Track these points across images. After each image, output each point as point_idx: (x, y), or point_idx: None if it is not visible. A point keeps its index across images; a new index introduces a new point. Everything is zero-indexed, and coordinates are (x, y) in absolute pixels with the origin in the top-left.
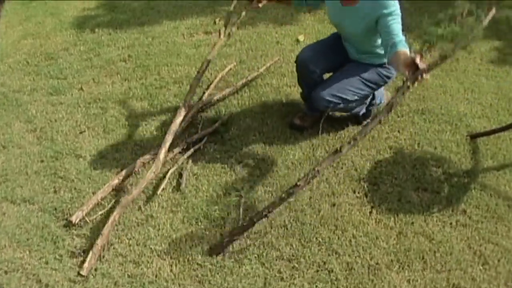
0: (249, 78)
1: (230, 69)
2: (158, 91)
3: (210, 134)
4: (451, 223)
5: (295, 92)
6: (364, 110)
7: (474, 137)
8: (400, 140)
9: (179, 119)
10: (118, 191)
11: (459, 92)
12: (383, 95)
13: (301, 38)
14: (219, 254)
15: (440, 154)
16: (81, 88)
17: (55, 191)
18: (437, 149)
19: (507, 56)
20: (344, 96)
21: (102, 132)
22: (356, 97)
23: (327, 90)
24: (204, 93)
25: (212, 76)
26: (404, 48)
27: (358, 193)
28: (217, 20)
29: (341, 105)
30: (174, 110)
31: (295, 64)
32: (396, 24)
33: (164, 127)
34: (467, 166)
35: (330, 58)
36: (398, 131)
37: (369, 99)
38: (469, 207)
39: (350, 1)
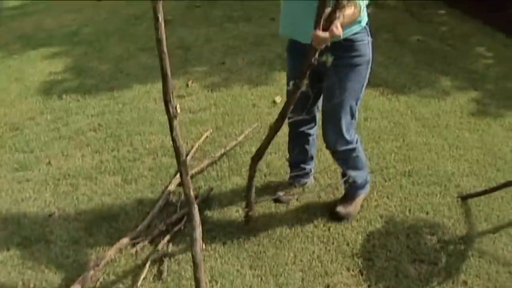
0: (227, 147)
1: (207, 137)
2: (132, 164)
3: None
4: None
5: (276, 160)
6: (364, 179)
7: (465, 198)
8: (390, 207)
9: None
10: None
11: (444, 149)
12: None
13: (278, 99)
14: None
15: (432, 219)
16: (49, 163)
17: (23, 284)
18: (429, 214)
19: (486, 107)
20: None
21: (74, 213)
22: (358, 101)
23: (333, 134)
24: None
25: (188, 145)
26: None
27: (353, 271)
28: (189, 83)
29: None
30: (150, 186)
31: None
32: None
33: (141, 206)
34: (462, 231)
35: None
36: (387, 197)
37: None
38: (469, 277)
39: None
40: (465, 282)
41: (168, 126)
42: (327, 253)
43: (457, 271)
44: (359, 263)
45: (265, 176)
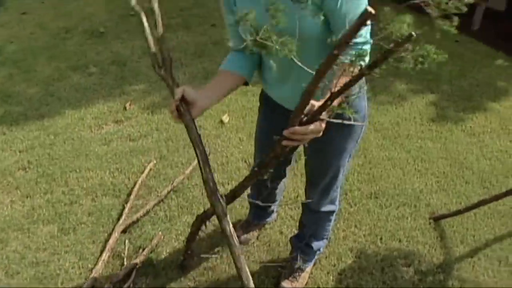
0: (174, 183)
1: (150, 169)
2: (68, 208)
3: (138, 264)
4: None
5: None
6: (320, 252)
7: (437, 219)
8: (359, 237)
9: None
10: None
11: (408, 163)
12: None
13: (225, 118)
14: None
15: (406, 248)
16: None
17: None
18: (402, 242)
19: (445, 111)
20: (335, 193)
21: (4, 276)
22: (350, 158)
23: (319, 195)
24: (124, 207)
25: (131, 181)
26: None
27: None
28: (127, 105)
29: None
30: (91, 235)
31: (223, 154)
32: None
33: (82, 261)
34: (439, 257)
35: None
36: (355, 226)
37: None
38: None
39: None
40: None
41: (106, 159)
42: None
43: None
44: None
45: None
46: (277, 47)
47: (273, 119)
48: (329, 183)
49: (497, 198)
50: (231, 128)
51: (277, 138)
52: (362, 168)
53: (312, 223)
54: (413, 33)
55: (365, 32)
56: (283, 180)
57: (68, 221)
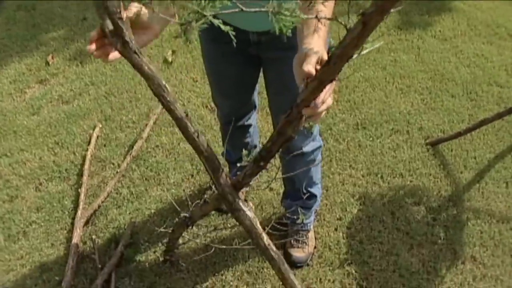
0: (133, 153)
1: (98, 137)
2: (10, 207)
3: (116, 265)
4: (468, 282)
5: None
6: (319, 200)
7: (434, 144)
8: (358, 179)
9: None
10: None
11: (387, 82)
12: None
13: (170, 56)
14: None
15: (410, 183)
16: None
17: None
18: (404, 177)
19: (410, 16)
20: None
21: None
22: None
23: (300, 145)
24: (78, 192)
25: (77, 156)
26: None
27: (349, 284)
28: (49, 59)
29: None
30: (47, 237)
31: (178, 101)
32: None
33: (45, 273)
34: (446, 189)
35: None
36: (351, 166)
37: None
38: (474, 249)
39: None
40: (473, 258)
41: (40, 132)
42: (311, 270)
43: (461, 246)
44: (353, 271)
45: (192, 176)
46: None
47: (222, 48)
48: None
49: (500, 116)
50: (180, 68)
51: (292, 112)
52: (340, 95)
53: (303, 171)
54: None
55: None
56: (253, 124)
57: (14, 224)
